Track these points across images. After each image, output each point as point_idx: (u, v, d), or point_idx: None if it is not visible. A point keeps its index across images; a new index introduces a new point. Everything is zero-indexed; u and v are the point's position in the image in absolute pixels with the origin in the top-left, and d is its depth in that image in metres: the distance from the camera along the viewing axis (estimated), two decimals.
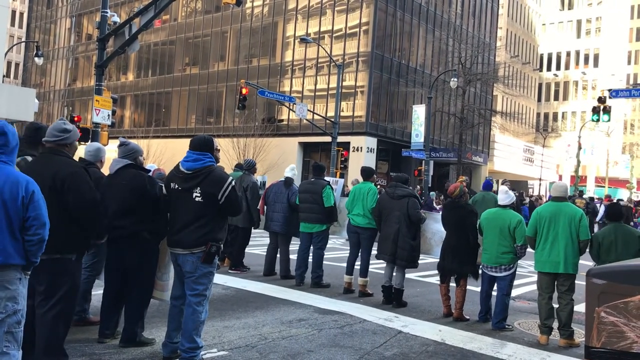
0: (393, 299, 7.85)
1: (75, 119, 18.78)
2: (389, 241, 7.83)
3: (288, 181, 9.44)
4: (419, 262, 8.12)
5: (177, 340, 4.77)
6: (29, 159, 4.90)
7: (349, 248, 8.92)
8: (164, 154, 34.96)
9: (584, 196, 27.76)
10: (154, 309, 6.10)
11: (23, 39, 67.11)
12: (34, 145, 5.08)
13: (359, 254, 8.61)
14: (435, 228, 8.61)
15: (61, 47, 59.11)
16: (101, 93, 15.79)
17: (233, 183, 4.77)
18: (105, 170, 5.51)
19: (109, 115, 15.99)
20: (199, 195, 4.64)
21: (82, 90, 54.66)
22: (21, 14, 75.90)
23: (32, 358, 4.20)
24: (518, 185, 50.96)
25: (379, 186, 13.35)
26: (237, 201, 4.79)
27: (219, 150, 5.05)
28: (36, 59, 29.47)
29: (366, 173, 8.77)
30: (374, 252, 8.34)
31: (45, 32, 61.37)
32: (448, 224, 7.58)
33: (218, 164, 4.98)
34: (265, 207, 9.74)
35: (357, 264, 8.60)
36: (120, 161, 5.21)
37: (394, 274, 7.94)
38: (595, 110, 24.11)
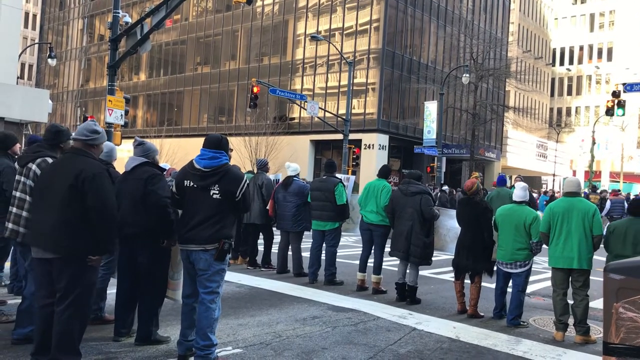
0: (407, 296, 7.83)
1: (89, 119, 18.89)
2: (402, 238, 7.80)
3: (286, 181, 9.46)
4: (433, 259, 8.08)
5: (192, 338, 4.78)
6: (49, 160, 4.94)
7: (361, 245, 8.90)
8: (177, 153, 35.15)
9: (598, 191, 27.49)
10: (169, 307, 6.13)
11: (36, 41, 67.72)
12: (53, 148, 5.12)
13: (372, 251, 8.60)
14: (449, 224, 8.56)
15: (74, 48, 59.58)
16: (114, 93, 15.87)
17: (248, 181, 4.86)
18: (121, 169, 5.55)
19: (121, 115, 16.08)
20: (217, 192, 4.68)
21: (95, 90, 55.08)
22: (34, 16, 76.57)
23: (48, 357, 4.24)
24: (532, 181, 50.60)
25: (392, 184, 13.29)
26: (247, 198, 4.88)
27: (232, 150, 5.09)
28: (49, 60, 29.76)
29: (382, 171, 8.77)
30: (387, 249, 8.32)
31: (58, 33, 61.88)
32: (463, 221, 7.53)
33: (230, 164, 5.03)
34: (275, 205, 9.74)
35: (370, 262, 8.58)
36: (136, 159, 5.25)
37: (408, 271, 7.92)
38: (610, 105, 23.87)
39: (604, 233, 6.61)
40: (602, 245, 6.60)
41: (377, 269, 8.43)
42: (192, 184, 4.77)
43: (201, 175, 4.74)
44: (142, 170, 5.13)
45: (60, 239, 4.14)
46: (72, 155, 4.37)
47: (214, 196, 4.68)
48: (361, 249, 8.85)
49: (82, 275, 4.22)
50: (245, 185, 4.79)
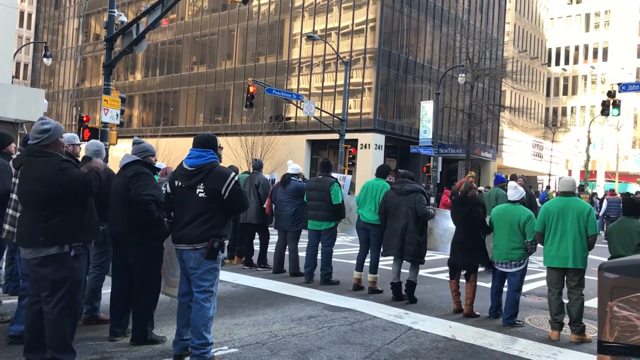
0: (406, 292, 7.85)
1: (84, 118, 18.84)
2: (396, 236, 7.81)
3: (284, 179, 9.46)
4: (429, 258, 8.09)
5: (188, 337, 4.78)
6: None
7: (358, 245, 8.91)
8: (172, 153, 35.01)
9: (587, 190, 27.56)
10: (164, 307, 6.13)
11: (31, 40, 67.51)
12: None
13: (369, 250, 8.60)
14: (445, 225, 8.57)
15: (69, 48, 59.39)
16: (109, 93, 15.85)
17: (236, 178, 4.76)
18: (116, 168, 5.56)
19: (117, 114, 16.05)
20: (202, 191, 4.66)
21: (91, 90, 54.92)
22: (29, 15, 76.33)
23: (42, 356, 4.23)
24: (527, 180, 50.59)
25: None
26: (241, 196, 4.78)
27: (221, 148, 5.06)
28: (45, 59, 29.66)
29: (380, 171, 8.76)
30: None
31: (54, 32, 61.67)
32: (456, 219, 7.55)
33: (227, 163, 5.00)
34: (273, 205, 9.75)
35: (367, 261, 8.58)
36: (129, 157, 5.28)
37: (407, 270, 7.93)
38: (605, 105, 23.93)
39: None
40: (596, 245, 6.63)
41: (374, 268, 8.44)
42: (180, 183, 4.79)
43: (187, 175, 4.75)
44: (130, 169, 5.15)
45: (34, 237, 4.16)
46: (29, 159, 4.32)
47: (200, 195, 4.66)
48: (357, 248, 8.86)
49: (65, 273, 4.20)
50: (233, 182, 4.67)
